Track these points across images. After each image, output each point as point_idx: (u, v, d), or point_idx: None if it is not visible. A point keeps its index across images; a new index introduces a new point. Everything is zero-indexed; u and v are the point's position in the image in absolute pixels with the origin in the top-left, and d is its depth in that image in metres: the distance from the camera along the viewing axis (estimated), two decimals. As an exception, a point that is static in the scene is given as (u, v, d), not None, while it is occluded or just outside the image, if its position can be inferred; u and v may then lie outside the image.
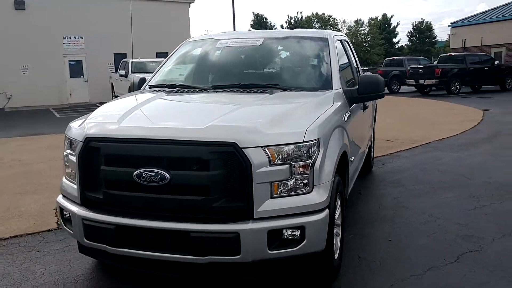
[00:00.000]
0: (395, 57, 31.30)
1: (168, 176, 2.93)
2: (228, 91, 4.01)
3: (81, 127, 3.39)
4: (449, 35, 41.19)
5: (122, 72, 18.11)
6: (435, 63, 29.01)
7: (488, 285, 3.53)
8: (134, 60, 18.77)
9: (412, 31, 68.57)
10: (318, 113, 3.40)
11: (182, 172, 2.95)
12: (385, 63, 29.24)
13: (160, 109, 3.80)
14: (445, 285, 3.55)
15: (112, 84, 21.12)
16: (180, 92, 4.14)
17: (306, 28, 57.03)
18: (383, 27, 67.55)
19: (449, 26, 36.25)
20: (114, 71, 22.91)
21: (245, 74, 4.44)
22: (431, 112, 15.74)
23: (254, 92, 3.92)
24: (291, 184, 3.02)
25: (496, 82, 24.85)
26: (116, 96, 20.33)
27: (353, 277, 3.68)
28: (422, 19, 73.43)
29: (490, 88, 25.20)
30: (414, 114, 15.14)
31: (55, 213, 5.44)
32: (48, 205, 5.79)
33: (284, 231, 2.99)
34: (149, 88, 4.57)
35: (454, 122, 12.77)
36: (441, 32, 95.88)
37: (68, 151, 3.49)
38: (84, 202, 3.28)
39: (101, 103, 19.18)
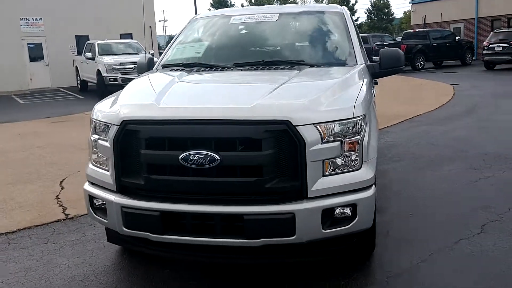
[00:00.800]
0: (360, 35, 31.52)
1: (218, 157, 2.79)
2: (254, 69, 3.87)
3: (113, 110, 3.19)
4: (404, 12, 41.81)
5: (89, 54, 17.43)
6: (397, 39, 29.50)
7: (520, 252, 3.62)
8: (100, 41, 18.16)
9: (371, 9, 69.32)
10: (357, 89, 3.33)
11: (233, 153, 2.82)
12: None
13: (194, 89, 3.63)
14: (480, 253, 3.61)
15: (76, 67, 20.31)
16: (202, 71, 3.96)
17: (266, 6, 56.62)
18: (341, 5, 67.82)
19: (409, 2, 36.83)
20: (77, 53, 22.10)
21: (266, 50, 4.31)
22: (404, 87, 16.02)
23: (281, 69, 3.80)
24: (341, 161, 2.95)
25: (457, 57, 25.58)
26: (82, 80, 19.62)
27: (389, 252, 3.68)
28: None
29: (451, 63, 25.89)
30: (389, 90, 15.30)
31: (58, 203, 5.20)
32: (46, 194, 5.52)
33: (336, 209, 2.94)
34: (162, 67, 4.36)
35: (430, 97, 13.05)
36: (397, 9, 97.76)
37: (96, 136, 3.28)
38: (121, 189, 3.11)
39: (65, 88, 18.48)
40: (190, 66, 4.14)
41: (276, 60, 3.98)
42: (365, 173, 3.02)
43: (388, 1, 69.57)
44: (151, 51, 20.27)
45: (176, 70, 4.11)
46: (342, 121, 2.93)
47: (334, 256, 3.23)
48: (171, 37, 54.78)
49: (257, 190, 2.86)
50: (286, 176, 2.86)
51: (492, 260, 3.50)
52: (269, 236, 2.87)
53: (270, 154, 2.80)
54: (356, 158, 2.99)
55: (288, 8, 4.75)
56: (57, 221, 4.66)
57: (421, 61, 24.09)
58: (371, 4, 69.70)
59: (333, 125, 2.91)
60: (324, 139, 2.87)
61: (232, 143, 2.84)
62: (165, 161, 2.93)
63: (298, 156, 2.82)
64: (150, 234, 3.01)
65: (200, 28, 4.81)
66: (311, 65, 3.87)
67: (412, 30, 28.12)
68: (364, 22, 70.65)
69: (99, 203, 3.30)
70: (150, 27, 24.90)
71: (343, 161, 2.96)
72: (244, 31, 4.55)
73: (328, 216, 2.92)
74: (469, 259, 3.54)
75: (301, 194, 2.86)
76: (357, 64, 4.00)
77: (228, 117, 2.86)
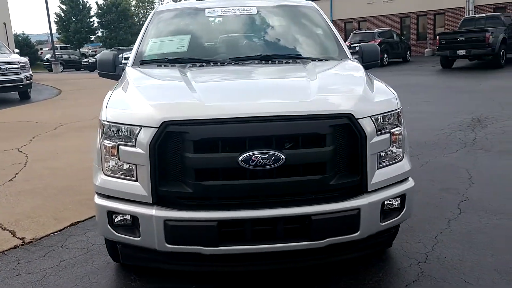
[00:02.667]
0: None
1: (283, 156, 2.60)
2: (257, 63, 3.68)
3: (144, 110, 2.75)
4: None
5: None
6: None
7: (501, 224, 4.01)
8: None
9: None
10: (378, 82, 3.37)
11: (297, 151, 2.65)
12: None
13: (225, 84, 3.32)
14: (475, 230, 3.93)
15: None
16: (199, 66, 3.63)
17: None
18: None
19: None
20: None
21: (258, 44, 4.10)
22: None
23: (286, 63, 3.69)
24: (390, 153, 2.97)
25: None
26: None
27: (398, 240, 3.78)
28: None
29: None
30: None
31: (29, 218, 4.38)
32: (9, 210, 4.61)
33: (390, 201, 2.94)
34: (141, 64, 3.90)
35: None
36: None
37: (112, 142, 2.81)
38: (159, 200, 2.72)
39: None
40: (178, 61, 3.78)
41: (273, 54, 3.84)
42: (406, 164, 3.07)
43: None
44: (16, 50, 18.26)
45: (165, 66, 3.73)
46: (390, 113, 2.96)
47: (381, 247, 3.22)
48: (16, 36, 49.65)
49: (321, 188, 2.73)
50: (346, 171, 2.78)
51: (490, 234, 3.84)
52: (335, 235, 2.76)
53: (333, 149, 2.70)
54: (399, 149, 3.03)
55: (262, 1, 4.58)
56: (14, 247, 3.91)
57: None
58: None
59: (384, 117, 2.91)
60: (378, 131, 2.85)
61: (295, 140, 2.67)
62: (220, 165, 2.64)
63: (359, 150, 2.76)
64: (203, 248, 2.70)
65: (171, 21, 4.41)
66: (312, 59, 3.80)
67: None
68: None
69: (121, 219, 2.86)
70: (4, 23, 22.28)
71: (391, 153, 2.98)
72: (227, 24, 4.29)
73: (384, 208, 2.91)
74: (471, 235, 3.83)
75: (361, 188, 2.81)
76: (348, 58, 4.04)
77: (290, 113, 2.69)
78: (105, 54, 4.21)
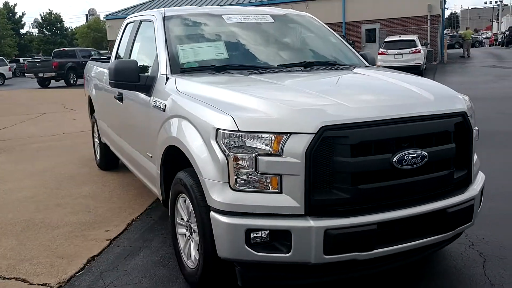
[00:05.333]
0: (66, 48, 30.56)
1: (426, 154, 2.73)
2: (310, 70, 3.71)
3: (293, 116, 2.59)
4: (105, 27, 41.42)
5: None
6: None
7: (499, 206, 4.52)
8: None
9: (42, 22, 65.78)
10: None
11: (435, 149, 2.81)
12: (54, 55, 27.26)
13: (339, 88, 3.32)
14: (482, 212, 4.18)
15: None
16: (258, 73, 3.49)
17: None
18: (7, 17, 61.58)
19: (104, 18, 36.88)
20: None
21: (296, 52, 4.09)
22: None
23: (334, 70, 3.82)
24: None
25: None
26: None
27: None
28: (49, 10, 70.46)
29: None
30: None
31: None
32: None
33: None
34: (181, 72, 3.57)
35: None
36: (72, 23, 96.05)
37: (244, 153, 2.60)
38: (311, 210, 2.58)
39: None
40: (226, 69, 3.60)
41: (315, 61, 3.94)
42: (477, 157, 3.42)
43: (60, 15, 67.57)
44: None
45: (221, 73, 3.53)
46: (473, 111, 3.28)
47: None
48: None
49: (449, 182, 2.94)
50: (462, 165, 3.03)
51: (499, 215, 4.31)
52: (460, 225, 2.98)
53: (456, 146, 2.92)
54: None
55: (269, 9, 4.54)
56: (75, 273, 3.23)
57: (74, 77, 26.18)
58: (41, 17, 66.15)
59: (472, 115, 3.23)
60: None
61: (431, 139, 2.82)
62: (376, 167, 2.65)
63: (469, 145, 3.03)
64: (360, 253, 2.65)
65: (193, 27, 4.09)
66: (351, 66, 3.99)
67: (61, 49, 30.21)
68: (37, 36, 66.58)
69: (258, 236, 2.63)
70: None
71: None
72: (254, 32, 4.14)
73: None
74: (485, 217, 4.01)
75: (468, 181, 3.08)
76: (367, 64, 4.30)
77: (429, 112, 2.85)
78: (123, 62, 3.74)
